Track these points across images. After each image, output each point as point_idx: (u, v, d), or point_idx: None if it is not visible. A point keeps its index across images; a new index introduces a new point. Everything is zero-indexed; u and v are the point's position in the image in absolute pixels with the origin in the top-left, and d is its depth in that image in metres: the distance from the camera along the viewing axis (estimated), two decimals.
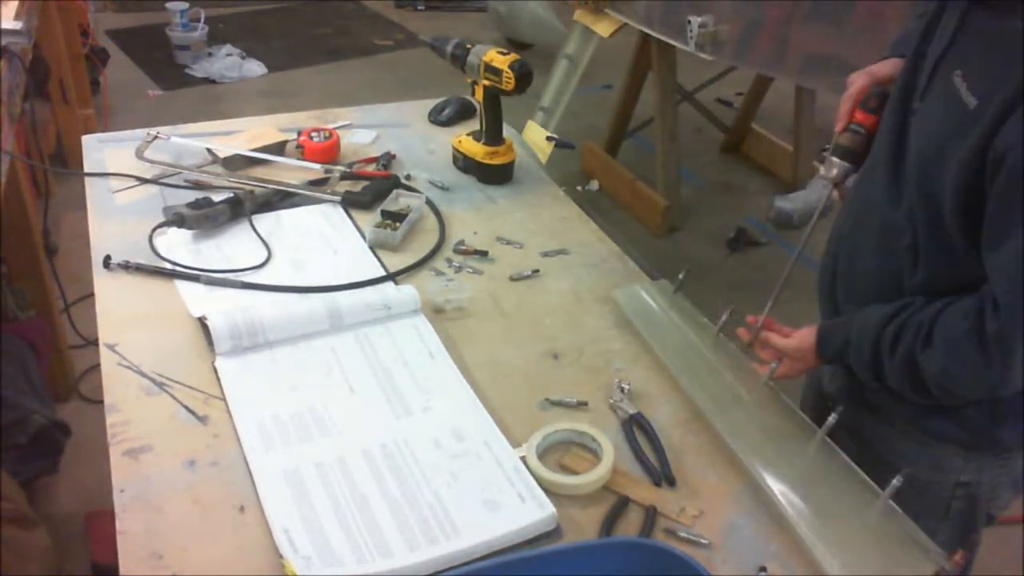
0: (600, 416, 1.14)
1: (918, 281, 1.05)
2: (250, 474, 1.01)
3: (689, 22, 2.76)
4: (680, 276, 1.34)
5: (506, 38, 4.71)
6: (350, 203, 1.54)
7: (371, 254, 1.43)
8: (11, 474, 1.84)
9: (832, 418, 1.08)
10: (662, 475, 1.05)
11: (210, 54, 4.62)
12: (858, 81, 1.18)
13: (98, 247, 1.37)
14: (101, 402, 1.10)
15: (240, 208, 1.46)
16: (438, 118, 1.87)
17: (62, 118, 3.29)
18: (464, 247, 1.46)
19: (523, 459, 1.05)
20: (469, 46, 1.60)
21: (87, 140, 1.69)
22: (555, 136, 2.06)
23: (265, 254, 1.40)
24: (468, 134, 1.68)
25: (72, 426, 2.11)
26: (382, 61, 4.90)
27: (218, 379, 1.15)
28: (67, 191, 3.04)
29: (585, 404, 1.16)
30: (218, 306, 1.24)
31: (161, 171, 1.58)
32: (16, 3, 2.12)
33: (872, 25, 2.50)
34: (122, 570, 0.90)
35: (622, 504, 1.01)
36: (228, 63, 4.57)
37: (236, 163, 1.62)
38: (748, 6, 2.76)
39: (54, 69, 3.16)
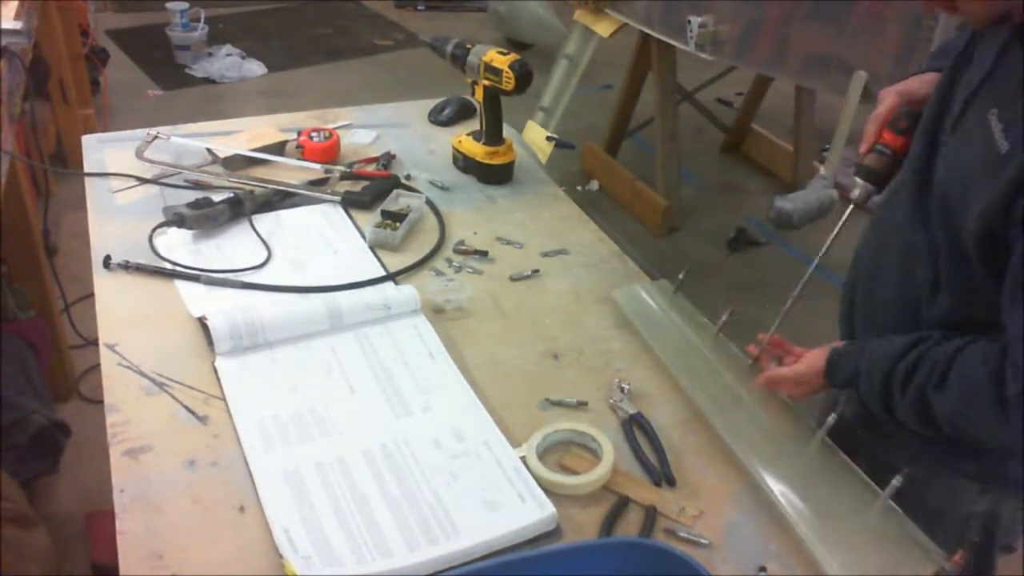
0: (600, 416, 1.14)
1: (937, 312, 1.02)
2: (250, 474, 1.01)
3: (689, 22, 2.76)
4: (680, 276, 1.34)
5: (506, 38, 4.72)
6: (350, 203, 1.54)
7: (371, 254, 1.43)
8: (11, 474, 1.83)
9: (832, 418, 1.08)
10: (662, 475, 1.05)
11: (210, 54, 4.62)
12: (887, 100, 1.14)
13: (98, 247, 1.37)
14: (101, 402, 1.10)
15: (240, 208, 1.46)
16: (438, 118, 1.87)
17: (62, 118, 3.29)
18: (464, 247, 1.46)
19: (523, 459, 1.05)
20: (469, 46, 1.60)
21: (87, 140, 1.69)
22: (555, 136, 2.06)
23: (265, 254, 1.40)
24: (468, 134, 1.68)
25: (72, 426, 2.10)
26: (382, 61, 4.91)
27: (218, 379, 1.15)
28: (67, 191, 3.04)
29: (585, 404, 1.16)
30: (218, 306, 1.24)
31: (161, 171, 1.58)
32: (16, 3, 2.12)
33: (872, 25, 2.50)
34: (122, 570, 0.90)
35: (622, 504, 1.01)
36: (228, 63, 4.57)
37: (236, 163, 1.62)
38: (748, 6, 2.76)
39: (54, 69, 3.16)
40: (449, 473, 1.03)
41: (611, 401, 1.16)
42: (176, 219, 1.39)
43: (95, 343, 1.21)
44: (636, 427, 1.12)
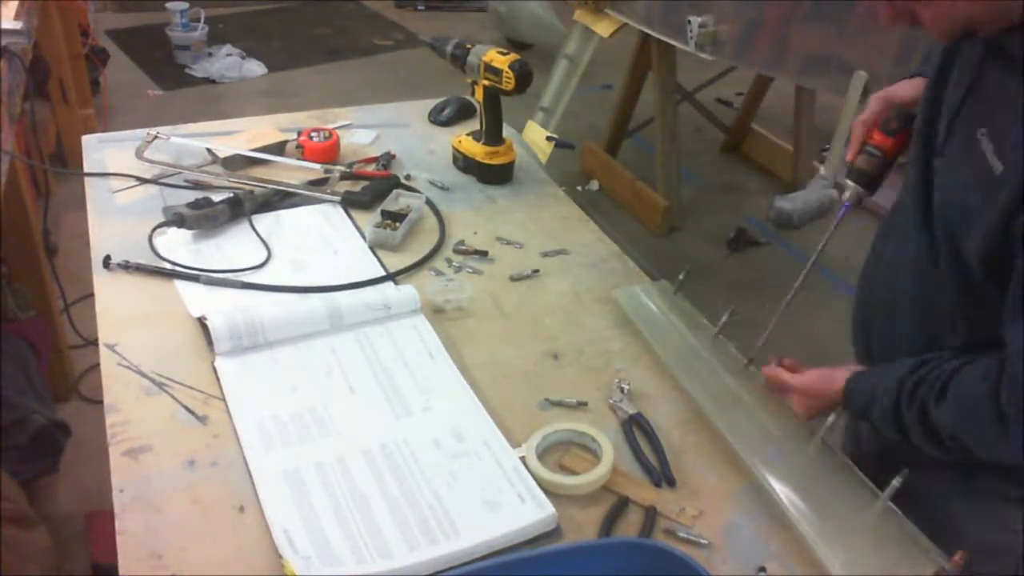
0: (600, 416, 1.14)
1: (959, 343, 0.99)
2: (250, 474, 1.01)
3: (689, 22, 2.76)
4: (680, 277, 1.34)
5: (506, 38, 4.72)
6: (350, 203, 1.54)
7: (371, 254, 1.43)
8: (11, 474, 1.83)
9: (832, 418, 1.07)
10: (662, 475, 1.05)
11: (210, 54, 4.62)
12: (872, 105, 1.14)
13: (98, 247, 1.37)
14: (101, 402, 1.10)
15: (240, 208, 1.46)
16: (438, 118, 1.87)
17: (62, 118, 3.29)
18: (464, 247, 1.46)
19: (523, 459, 1.05)
20: (469, 46, 1.60)
21: (87, 140, 1.69)
22: (555, 136, 2.06)
23: (265, 254, 1.40)
24: (468, 134, 1.68)
25: (72, 426, 2.10)
26: (382, 61, 4.91)
27: (218, 379, 1.15)
28: (67, 191, 3.04)
29: (585, 404, 1.16)
30: (218, 306, 1.24)
31: (161, 171, 1.58)
32: (16, 3, 2.12)
33: (872, 25, 2.50)
34: (122, 570, 0.90)
35: (622, 504, 1.01)
36: (228, 63, 4.57)
37: (236, 163, 1.62)
38: (748, 6, 2.76)
39: (54, 69, 3.16)
40: (449, 473, 1.03)
41: (611, 401, 1.16)
42: (176, 219, 1.39)
43: (95, 343, 1.21)
44: (636, 427, 1.12)
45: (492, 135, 1.63)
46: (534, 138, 2.06)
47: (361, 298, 1.28)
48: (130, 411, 1.09)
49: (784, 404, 1.15)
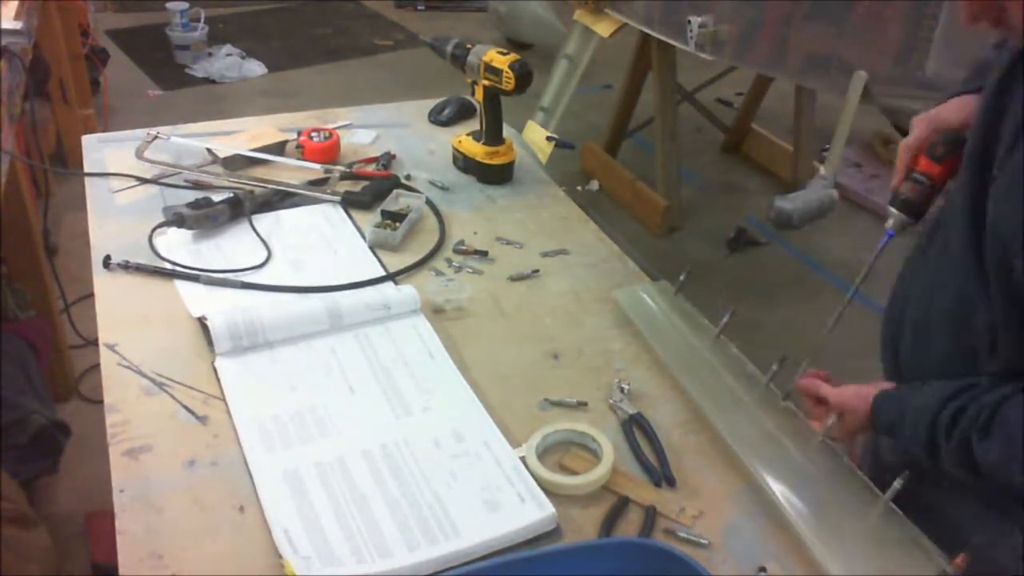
0: (600, 416, 1.14)
1: (996, 367, 0.94)
2: (250, 474, 1.01)
3: (689, 22, 2.76)
4: (681, 277, 1.34)
5: (506, 38, 4.72)
6: (350, 203, 1.54)
7: (371, 254, 1.43)
8: (11, 474, 1.83)
9: (832, 419, 1.07)
10: (662, 475, 1.05)
11: (210, 54, 4.62)
12: (918, 128, 1.07)
13: (98, 247, 1.37)
14: (101, 402, 1.10)
15: (240, 208, 1.46)
16: (438, 118, 1.87)
17: (62, 118, 3.29)
18: (464, 247, 1.46)
19: (523, 459, 1.05)
20: (469, 46, 1.60)
21: (87, 140, 1.69)
22: (555, 136, 2.06)
23: (265, 254, 1.40)
24: (468, 134, 1.68)
25: (72, 426, 2.10)
26: (382, 61, 4.91)
27: (218, 379, 1.15)
28: (67, 191, 3.04)
29: (585, 404, 1.16)
30: (218, 306, 1.24)
31: (161, 171, 1.58)
32: (16, 3, 2.12)
33: (872, 25, 2.50)
34: (122, 570, 0.90)
35: (622, 504, 1.01)
36: (228, 63, 4.57)
37: (236, 163, 1.62)
38: (748, 6, 2.76)
39: (54, 69, 3.16)
40: (449, 473, 1.03)
41: (611, 401, 1.16)
42: (176, 219, 1.39)
43: (95, 343, 1.21)
44: (636, 427, 1.12)
45: (492, 135, 1.63)
46: (534, 138, 2.06)
47: (361, 298, 1.28)
48: (130, 411, 1.09)
49: (786, 405, 1.14)
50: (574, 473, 1.04)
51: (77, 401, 2.42)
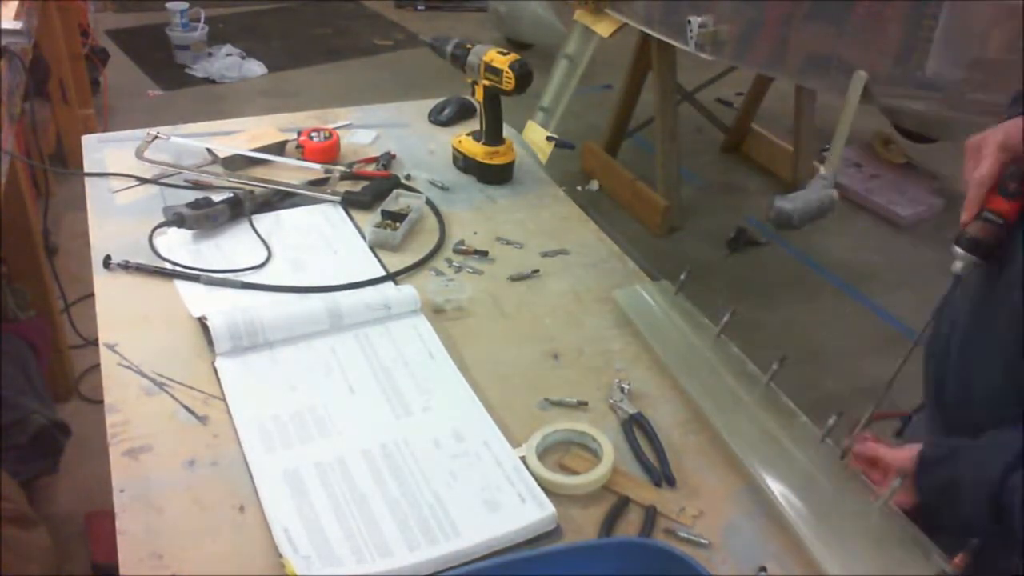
0: (600, 416, 1.14)
1: None
2: (250, 474, 1.01)
3: (689, 22, 2.76)
4: (682, 277, 1.34)
5: (506, 38, 4.72)
6: (350, 203, 1.54)
7: (371, 254, 1.43)
8: (11, 474, 1.83)
9: (832, 419, 1.07)
10: (662, 475, 1.05)
11: (210, 54, 4.62)
12: (988, 159, 0.95)
13: (98, 247, 1.37)
14: (101, 402, 1.10)
15: (240, 208, 1.46)
16: (438, 118, 1.87)
17: (62, 118, 3.29)
18: (464, 247, 1.46)
19: (523, 459, 1.05)
20: (469, 46, 1.60)
21: (87, 140, 1.69)
22: (555, 136, 2.06)
23: (265, 254, 1.40)
24: (468, 134, 1.68)
25: (72, 426, 2.10)
26: (382, 61, 4.91)
27: (218, 379, 1.15)
28: (67, 191, 3.04)
29: (585, 404, 1.16)
30: (218, 306, 1.24)
31: (161, 171, 1.58)
32: (16, 3, 2.12)
33: (872, 25, 2.50)
34: (122, 570, 0.90)
35: (622, 504, 1.01)
36: (228, 63, 4.57)
37: (236, 163, 1.62)
38: (748, 6, 2.76)
39: (54, 69, 3.16)
40: (449, 473, 1.03)
41: (611, 401, 1.16)
42: (176, 219, 1.39)
43: (95, 343, 1.21)
44: (636, 427, 1.12)
45: (492, 135, 1.63)
46: (534, 138, 2.06)
47: (361, 298, 1.28)
48: (130, 411, 1.09)
49: (786, 405, 1.14)
50: (574, 473, 1.04)
51: (77, 401, 2.42)
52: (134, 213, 1.47)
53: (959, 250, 0.97)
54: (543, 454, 1.06)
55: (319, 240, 1.45)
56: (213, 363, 1.17)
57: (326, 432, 1.08)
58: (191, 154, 1.62)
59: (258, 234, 1.44)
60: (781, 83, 3.65)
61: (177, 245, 1.39)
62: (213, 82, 4.48)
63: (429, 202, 1.55)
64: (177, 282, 1.32)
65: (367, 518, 0.96)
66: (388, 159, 1.68)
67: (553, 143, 2.04)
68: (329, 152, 1.66)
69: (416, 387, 1.16)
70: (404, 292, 1.29)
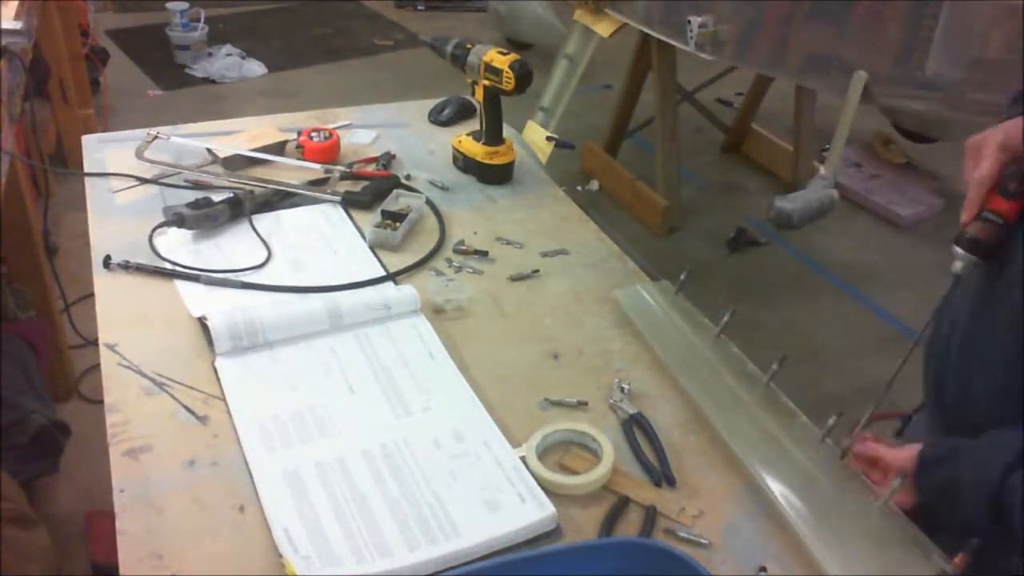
0: (600, 416, 1.14)
1: None
2: (250, 474, 1.01)
3: (689, 22, 2.76)
4: (682, 277, 1.34)
5: (506, 38, 4.72)
6: (350, 203, 1.54)
7: (371, 254, 1.43)
8: (11, 474, 1.83)
9: (832, 419, 1.07)
10: (662, 475, 1.05)
11: (210, 54, 4.62)
12: (988, 159, 0.95)
13: (98, 247, 1.37)
14: (101, 402, 1.10)
15: (240, 208, 1.46)
16: (438, 118, 1.87)
17: (62, 118, 3.29)
18: (464, 247, 1.46)
19: (523, 459, 1.05)
20: (469, 46, 1.60)
21: (87, 140, 1.69)
22: (555, 136, 2.06)
23: (265, 254, 1.40)
24: (468, 134, 1.68)
25: (72, 426, 2.10)
26: (382, 61, 4.91)
27: (218, 379, 1.15)
28: (67, 191, 3.04)
29: (585, 404, 1.16)
30: (218, 306, 1.24)
31: (161, 171, 1.58)
32: (16, 3, 2.12)
33: (872, 25, 2.50)
34: (122, 570, 0.90)
35: (622, 504, 1.01)
36: (228, 63, 4.57)
37: (236, 163, 1.62)
38: (748, 6, 2.76)
39: (54, 69, 3.16)
40: (449, 473, 1.03)
41: (611, 401, 1.16)
42: (176, 219, 1.39)
43: (95, 343, 1.21)
44: (636, 427, 1.12)
45: (492, 135, 1.63)
46: (534, 138, 2.06)
47: (361, 298, 1.28)
48: (130, 411, 1.09)
49: (786, 406, 1.14)
50: (574, 473, 1.04)
51: (77, 401, 2.42)
52: (134, 213, 1.47)
53: (959, 250, 0.97)
54: (543, 454, 1.06)
55: (319, 240, 1.45)
56: (213, 363, 1.17)
57: (326, 432, 1.08)
58: (191, 154, 1.62)
59: (258, 234, 1.44)
60: (781, 83, 3.65)
61: (177, 245, 1.39)
62: (213, 82, 4.48)
63: (429, 202, 1.55)
64: (177, 282, 1.32)
65: (367, 518, 0.96)
66: (388, 159, 1.68)
67: (553, 143, 2.04)
68: (329, 152, 1.66)
69: (416, 387, 1.16)
70: (404, 292, 1.29)
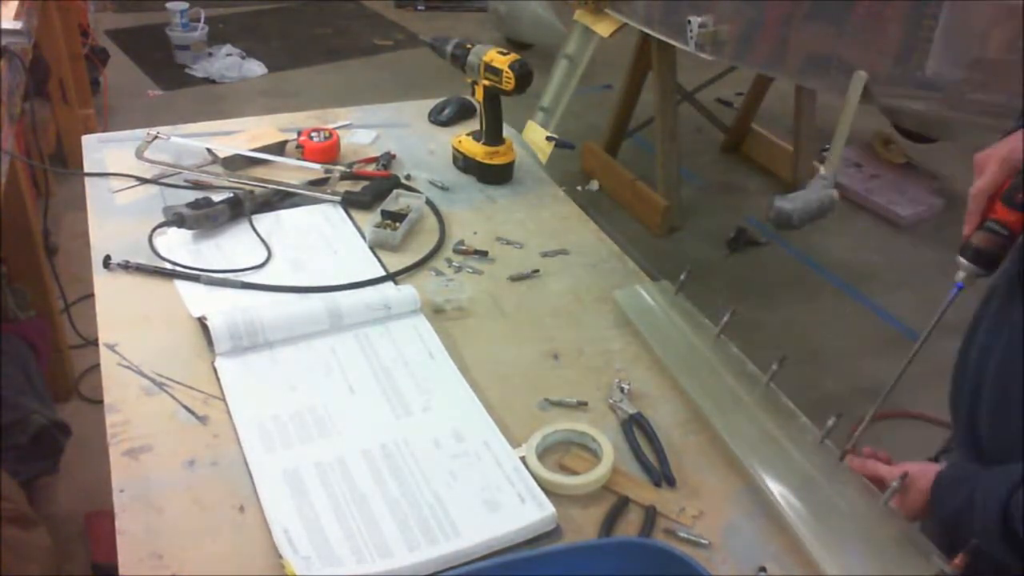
0: (600, 416, 1.14)
1: None
2: (250, 474, 1.01)
3: (689, 22, 2.76)
4: (682, 277, 1.34)
5: (506, 38, 4.72)
6: (350, 203, 1.54)
7: (371, 254, 1.43)
8: (11, 474, 1.83)
9: (832, 420, 1.07)
10: (662, 475, 1.05)
11: (210, 54, 4.62)
12: (989, 170, 0.95)
13: (98, 247, 1.37)
14: (101, 402, 1.10)
15: (240, 208, 1.46)
16: (438, 118, 1.87)
17: (62, 118, 3.29)
18: (464, 247, 1.46)
19: (523, 459, 1.05)
20: (469, 46, 1.60)
21: (87, 140, 1.69)
22: (555, 136, 2.06)
23: (265, 254, 1.40)
24: (468, 134, 1.68)
25: (72, 426, 2.10)
26: (382, 61, 4.91)
27: (218, 379, 1.15)
28: (67, 191, 3.04)
29: (585, 404, 1.16)
30: (218, 306, 1.24)
31: (161, 171, 1.58)
32: (16, 3, 2.12)
33: (872, 25, 2.50)
34: (122, 570, 0.90)
35: (622, 504, 1.01)
36: (228, 63, 4.57)
37: (236, 163, 1.62)
38: (748, 6, 2.76)
39: (54, 69, 3.16)
40: (449, 473, 1.03)
41: (611, 401, 1.16)
42: (176, 219, 1.39)
43: (95, 343, 1.21)
44: (636, 427, 1.12)
45: (492, 135, 1.63)
46: (534, 138, 2.06)
47: (361, 298, 1.28)
48: (130, 411, 1.09)
49: (786, 406, 1.14)
50: (574, 473, 1.04)
51: (77, 401, 2.42)
52: (134, 213, 1.47)
53: (963, 260, 0.97)
54: (543, 454, 1.06)
55: (319, 240, 1.45)
56: (213, 363, 1.17)
57: (326, 432, 1.08)
58: (191, 154, 1.62)
59: (258, 234, 1.44)
60: (781, 83, 3.65)
61: (177, 245, 1.39)
62: (213, 82, 4.48)
63: (429, 202, 1.55)
64: (177, 282, 1.32)
65: (367, 518, 0.96)
66: (388, 159, 1.68)
67: (553, 143, 2.04)
68: (329, 152, 1.66)
69: (416, 387, 1.16)
70: (404, 292, 1.29)
